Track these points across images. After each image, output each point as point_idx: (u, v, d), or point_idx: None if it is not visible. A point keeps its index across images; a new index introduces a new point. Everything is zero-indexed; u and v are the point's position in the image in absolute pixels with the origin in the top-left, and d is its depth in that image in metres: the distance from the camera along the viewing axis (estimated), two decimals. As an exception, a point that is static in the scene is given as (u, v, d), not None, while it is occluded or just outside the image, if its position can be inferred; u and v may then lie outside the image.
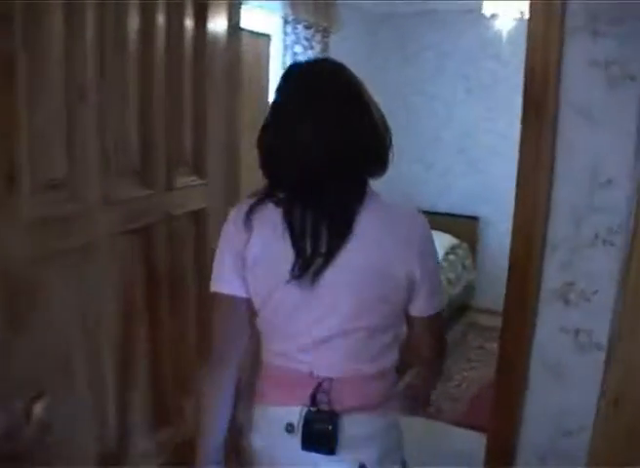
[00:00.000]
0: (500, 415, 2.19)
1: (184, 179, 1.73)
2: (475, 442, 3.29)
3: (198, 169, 1.79)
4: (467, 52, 5.08)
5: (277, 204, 1.26)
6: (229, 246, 1.30)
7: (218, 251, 1.32)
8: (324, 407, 1.26)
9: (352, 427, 1.28)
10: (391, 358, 1.34)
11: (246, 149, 2.37)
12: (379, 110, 1.29)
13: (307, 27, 4.16)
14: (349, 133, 1.23)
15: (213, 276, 1.33)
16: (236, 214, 1.29)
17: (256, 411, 1.37)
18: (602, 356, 1.88)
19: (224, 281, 1.31)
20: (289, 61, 4.05)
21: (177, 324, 1.73)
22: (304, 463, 1.28)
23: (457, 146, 5.27)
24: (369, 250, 1.24)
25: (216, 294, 1.32)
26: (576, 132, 1.92)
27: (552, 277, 2.03)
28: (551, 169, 1.96)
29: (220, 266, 1.32)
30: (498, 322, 4.95)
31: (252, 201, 1.29)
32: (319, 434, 1.26)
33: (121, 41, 1.42)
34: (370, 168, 1.29)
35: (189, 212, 1.78)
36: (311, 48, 4.23)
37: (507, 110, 4.91)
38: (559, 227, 2.00)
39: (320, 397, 1.27)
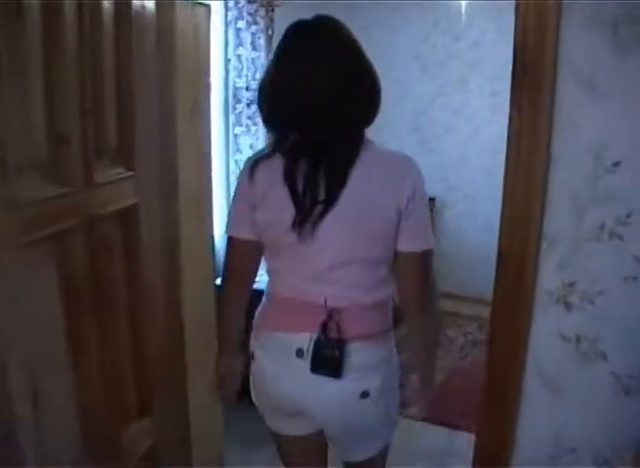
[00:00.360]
0: (489, 434, 1.90)
1: (108, 173, 1.46)
2: (444, 440, 3.17)
3: (125, 159, 1.53)
4: (420, 27, 4.86)
5: (281, 156, 1.39)
6: (240, 195, 1.48)
7: (232, 198, 1.52)
8: (333, 334, 1.41)
9: (357, 355, 1.43)
10: (386, 291, 1.50)
11: (187, 133, 2.13)
12: (369, 60, 1.43)
13: (250, 1, 3.89)
14: (351, 76, 1.36)
15: (227, 221, 1.54)
16: (246, 166, 1.46)
17: (265, 337, 1.53)
18: (607, 367, 1.66)
19: (236, 226, 1.51)
20: (232, 38, 3.77)
21: (106, 345, 1.48)
22: (311, 384, 1.45)
23: (410, 125, 5.07)
24: (362, 194, 1.37)
25: (230, 238, 1.54)
26: (577, 105, 1.59)
27: (550, 276, 1.72)
28: (548, 149, 1.63)
29: (233, 212, 1.53)
30: (457, 307, 4.83)
31: (261, 153, 1.45)
32: (328, 358, 1.40)
33: (16, 6, 1.14)
34: (367, 115, 1.43)
35: (116, 210, 1.52)
36: (255, 23, 3.96)
37: (462, 86, 4.76)
38: (557, 218, 1.68)
39: (330, 325, 1.41)
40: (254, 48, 4.00)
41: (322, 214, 1.36)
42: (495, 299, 1.81)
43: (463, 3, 4.28)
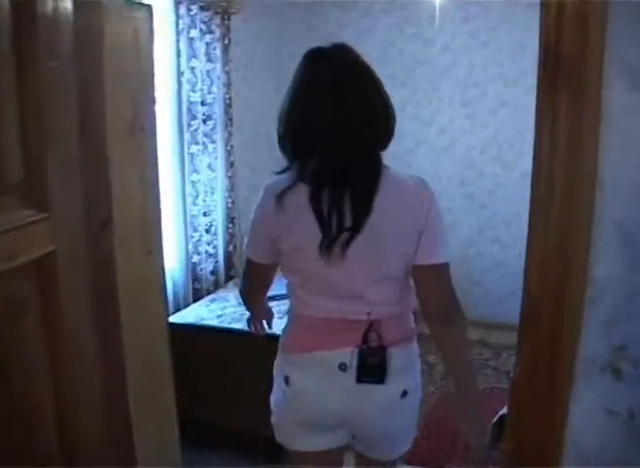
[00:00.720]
0: None
1: (13, 216, 1.13)
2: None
3: (35, 197, 1.19)
4: (387, 32, 4.59)
5: (305, 184, 1.45)
6: (264, 223, 1.54)
7: (251, 224, 1.60)
8: (374, 344, 1.52)
9: (395, 359, 1.55)
10: (411, 299, 1.62)
11: (126, 155, 1.81)
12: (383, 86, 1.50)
13: (204, 8, 3.57)
14: (371, 110, 1.45)
15: (247, 244, 1.67)
16: (269, 195, 1.50)
17: (301, 359, 1.60)
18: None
19: (255, 251, 1.63)
20: (184, 49, 3.45)
21: (13, 434, 1.14)
22: (358, 394, 1.55)
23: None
24: (385, 218, 1.46)
25: (249, 261, 1.67)
26: (630, 111, 1.18)
27: (595, 337, 1.29)
28: (592, 171, 1.21)
29: (253, 238, 1.63)
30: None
31: (282, 183, 1.48)
32: (372, 366, 1.51)
33: None
34: (383, 139, 1.52)
35: (28, 261, 1.19)
36: (210, 32, 3.65)
37: (433, 94, 4.50)
38: (604, 262, 1.25)
39: (371, 335, 1.52)
40: (209, 59, 3.69)
41: (349, 241, 1.46)
42: (521, 363, 1.41)
43: (437, 3, 4.02)
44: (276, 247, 1.56)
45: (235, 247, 4.12)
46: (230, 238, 4.07)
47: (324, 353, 1.56)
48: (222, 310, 3.40)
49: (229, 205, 4.03)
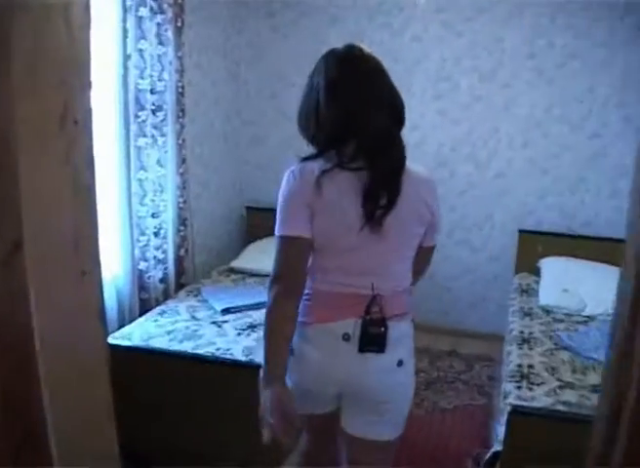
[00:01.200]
0: None
1: None
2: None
3: None
4: (355, 21, 4.24)
5: (342, 169, 1.61)
6: (302, 199, 1.61)
7: (284, 205, 1.64)
8: (376, 315, 1.67)
9: (394, 330, 1.70)
10: (410, 279, 1.81)
11: (52, 156, 1.43)
12: None
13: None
14: (396, 100, 1.67)
15: (283, 223, 1.65)
16: (306, 178, 1.61)
17: (309, 331, 1.72)
18: None
19: (297, 225, 1.63)
20: (132, 29, 3.04)
21: None
22: (359, 363, 1.69)
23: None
24: (407, 202, 1.64)
25: (286, 238, 1.64)
26: None
27: None
28: None
29: (289, 215, 1.65)
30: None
31: (320, 167, 1.61)
32: (374, 336, 1.67)
33: None
34: (400, 126, 1.68)
35: None
36: (161, 12, 3.26)
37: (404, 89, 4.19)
38: None
39: (373, 308, 1.67)
40: (159, 42, 3.30)
41: (383, 217, 1.61)
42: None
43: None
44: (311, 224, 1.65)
45: (187, 251, 3.74)
46: (182, 241, 3.69)
47: (331, 324, 1.69)
48: (173, 325, 3.03)
49: (181, 205, 3.65)
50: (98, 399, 1.86)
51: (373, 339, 1.66)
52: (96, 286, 1.85)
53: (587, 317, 3.44)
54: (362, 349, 1.67)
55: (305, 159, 1.66)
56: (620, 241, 4.45)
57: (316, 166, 1.62)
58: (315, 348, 1.71)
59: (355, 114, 1.61)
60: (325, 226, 1.63)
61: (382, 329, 1.66)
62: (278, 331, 1.64)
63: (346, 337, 1.66)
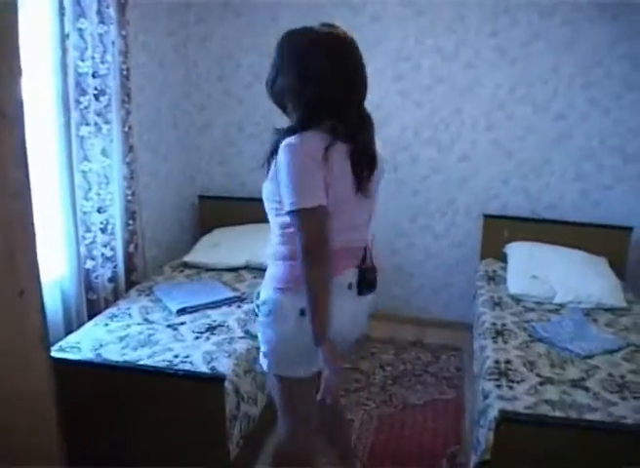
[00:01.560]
0: None
1: None
2: None
3: None
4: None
5: (341, 141, 1.77)
6: (316, 171, 1.72)
7: (299, 178, 1.72)
8: (368, 264, 1.96)
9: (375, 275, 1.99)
10: None
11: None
12: None
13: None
14: (366, 78, 1.85)
15: (301, 196, 1.72)
16: (314, 148, 1.72)
17: None
18: None
19: (315, 196, 1.73)
20: (70, 6, 2.76)
21: None
22: (358, 306, 1.98)
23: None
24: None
25: (310, 210, 1.72)
26: None
27: None
28: None
29: (307, 186, 1.73)
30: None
31: (323, 141, 1.74)
32: (370, 280, 1.95)
33: None
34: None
35: None
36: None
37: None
38: None
39: (367, 257, 1.96)
40: (101, 20, 3.03)
41: (368, 179, 1.86)
42: None
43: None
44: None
45: (137, 246, 3.49)
46: (131, 237, 3.43)
47: (340, 278, 1.86)
48: (125, 330, 2.79)
49: (129, 197, 3.39)
50: (42, 431, 1.64)
51: (368, 283, 1.94)
52: (36, 305, 1.63)
53: (559, 305, 3.34)
54: (361, 293, 1.94)
55: (290, 131, 1.77)
56: (584, 225, 4.39)
57: (314, 139, 1.75)
58: (331, 302, 1.81)
59: (353, 86, 1.80)
60: (334, 194, 1.77)
61: (375, 273, 1.97)
62: (322, 299, 1.76)
63: (350, 286, 1.91)
